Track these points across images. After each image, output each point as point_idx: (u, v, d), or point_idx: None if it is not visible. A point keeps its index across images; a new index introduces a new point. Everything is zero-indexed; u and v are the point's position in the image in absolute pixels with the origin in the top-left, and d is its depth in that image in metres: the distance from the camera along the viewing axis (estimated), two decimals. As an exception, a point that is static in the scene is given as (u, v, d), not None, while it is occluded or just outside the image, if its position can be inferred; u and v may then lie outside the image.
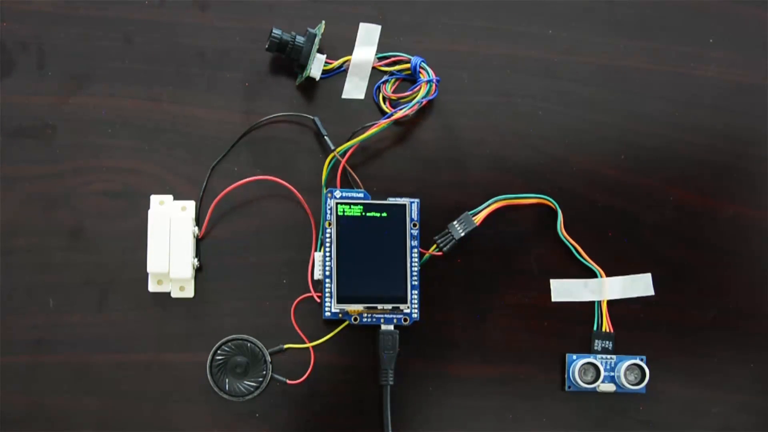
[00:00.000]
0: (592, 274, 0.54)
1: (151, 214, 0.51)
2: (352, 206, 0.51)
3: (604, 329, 0.53)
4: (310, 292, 0.52)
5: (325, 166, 0.52)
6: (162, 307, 0.52)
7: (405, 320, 0.51)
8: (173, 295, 0.52)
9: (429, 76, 0.53)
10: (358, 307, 0.50)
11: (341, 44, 0.54)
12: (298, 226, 0.53)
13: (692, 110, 0.56)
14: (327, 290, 0.51)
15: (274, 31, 0.52)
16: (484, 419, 0.53)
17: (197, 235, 0.52)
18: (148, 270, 0.51)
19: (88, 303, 0.52)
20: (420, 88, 0.53)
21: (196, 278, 0.53)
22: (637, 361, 0.53)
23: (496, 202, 0.54)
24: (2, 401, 0.51)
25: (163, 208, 0.52)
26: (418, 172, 0.54)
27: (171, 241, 0.51)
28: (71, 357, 0.52)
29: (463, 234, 0.53)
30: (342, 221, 0.50)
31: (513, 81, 0.55)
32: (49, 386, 0.52)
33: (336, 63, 0.54)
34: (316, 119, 0.53)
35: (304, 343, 0.52)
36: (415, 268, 0.51)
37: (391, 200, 0.52)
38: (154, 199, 0.52)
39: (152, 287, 0.52)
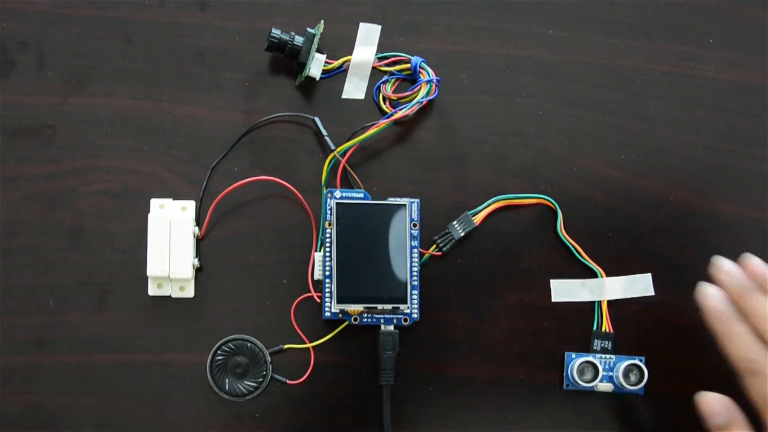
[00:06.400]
0: (592, 274, 0.54)
1: (151, 218, 0.51)
2: (352, 206, 0.51)
3: (603, 329, 0.53)
4: (310, 292, 0.52)
5: (325, 166, 0.52)
6: (162, 308, 0.52)
7: (405, 320, 0.51)
8: (173, 295, 0.52)
9: (429, 76, 0.53)
10: (358, 308, 0.50)
11: (341, 44, 0.54)
12: (298, 226, 0.53)
13: (692, 110, 0.56)
14: (327, 290, 0.51)
15: (272, 31, 0.52)
16: (484, 419, 0.53)
17: (197, 236, 0.52)
18: (148, 274, 0.51)
19: (88, 303, 0.52)
20: (420, 88, 0.53)
21: (196, 278, 0.53)
22: (636, 362, 0.53)
23: (495, 202, 0.54)
24: (2, 401, 0.52)
25: (163, 211, 0.52)
26: (418, 172, 0.54)
27: (171, 242, 0.51)
28: (71, 357, 0.52)
29: (462, 234, 0.53)
30: (342, 221, 0.50)
31: (513, 81, 0.55)
32: (49, 386, 0.52)
33: (336, 63, 0.54)
34: (317, 119, 0.53)
35: (304, 343, 0.52)
36: (415, 269, 0.51)
37: (391, 200, 0.52)
38: (154, 203, 0.52)
39: (152, 291, 0.52)
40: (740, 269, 0.48)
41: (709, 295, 0.48)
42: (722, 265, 0.48)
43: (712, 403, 0.46)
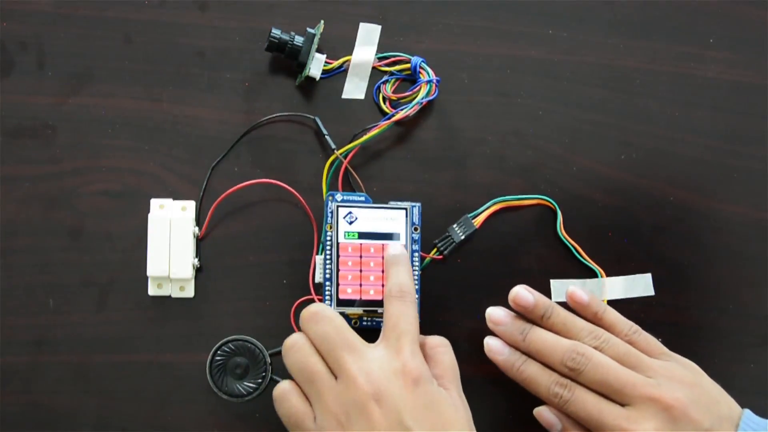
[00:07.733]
0: (592, 274, 0.54)
1: (151, 218, 0.51)
2: (352, 207, 0.51)
3: (603, 329, 0.53)
4: (310, 292, 0.52)
5: (326, 167, 0.52)
6: (162, 308, 0.52)
7: (405, 321, 0.51)
8: (173, 295, 0.52)
9: (429, 76, 0.53)
10: (358, 311, 0.50)
11: (341, 44, 0.54)
12: (299, 226, 0.53)
13: (692, 110, 0.56)
14: (327, 293, 0.51)
15: (272, 31, 0.52)
16: (484, 419, 0.53)
17: (197, 236, 0.52)
18: (148, 274, 0.51)
19: (88, 303, 0.52)
20: (420, 88, 0.53)
21: (196, 278, 0.53)
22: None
23: (495, 204, 0.54)
24: (2, 401, 0.52)
25: (163, 211, 0.52)
26: (418, 172, 0.54)
27: (171, 242, 0.51)
28: (71, 357, 0.52)
29: (463, 237, 0.53)
30: (343, 225, 0.50)
31: (513, 81, 0.55)
32: (49, 386, 0.52)
33: (336, 63, 0.54)
34: (317, 119, 0.53)
35: (304, 343, 0.52)
36: (416, 272, 0.51)
37: (392, 204, 0.52)
38: (154, 203, 0.52)
39: (152, 291, 0.52)
40: (508, 314, 0.49)
41: (492, 349, 0.49)
42: (491, 315, 0.49)
43: (544, 415, 0.48)
